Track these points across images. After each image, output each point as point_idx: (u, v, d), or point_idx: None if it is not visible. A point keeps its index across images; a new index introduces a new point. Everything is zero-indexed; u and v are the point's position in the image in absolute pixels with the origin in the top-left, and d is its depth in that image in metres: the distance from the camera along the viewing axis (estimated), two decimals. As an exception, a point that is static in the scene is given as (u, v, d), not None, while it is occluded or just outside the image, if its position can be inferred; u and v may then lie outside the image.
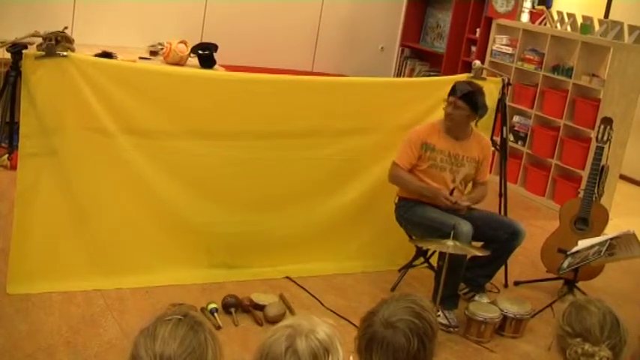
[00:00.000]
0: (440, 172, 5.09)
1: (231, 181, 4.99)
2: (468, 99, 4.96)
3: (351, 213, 5.37)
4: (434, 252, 5.26)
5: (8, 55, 4.47)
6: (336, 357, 2.14)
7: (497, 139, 5.72)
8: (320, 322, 2.19)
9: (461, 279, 4.92)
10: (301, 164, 5.12)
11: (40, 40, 4.53)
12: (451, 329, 4.76)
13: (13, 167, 5.89)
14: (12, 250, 4.48)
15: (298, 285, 5.12)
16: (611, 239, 4.88)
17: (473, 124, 5.16)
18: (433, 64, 9.76)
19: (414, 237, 5.10)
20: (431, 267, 5.28)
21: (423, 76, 9.57)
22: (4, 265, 4.56)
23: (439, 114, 5.13)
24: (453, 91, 5.02)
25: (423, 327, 2.39)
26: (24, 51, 4.36)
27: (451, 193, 5.08)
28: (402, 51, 10.01)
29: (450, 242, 4.40)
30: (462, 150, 5.13)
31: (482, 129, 5.28)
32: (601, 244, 4.91)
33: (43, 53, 4.31)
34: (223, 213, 5.00)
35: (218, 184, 4.97)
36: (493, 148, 5.48)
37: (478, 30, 8.94)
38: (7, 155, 6.04)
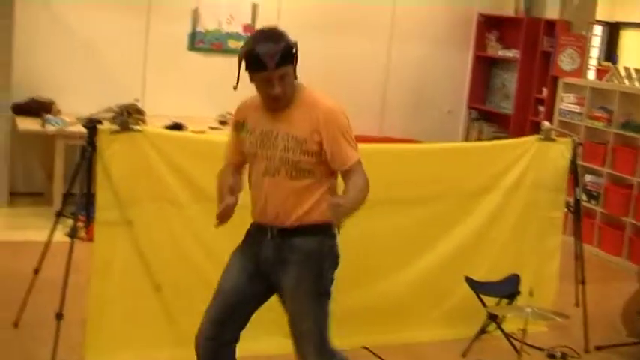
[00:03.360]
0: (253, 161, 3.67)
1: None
2: (284, 58, 3.41)
3: (429, 281, 5.32)
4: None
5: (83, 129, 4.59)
6: None
7: (571, 200, 5.65)
8: None
9: None
10: (377, 233, 5.09)
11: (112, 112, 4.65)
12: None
13: (89, 239, 5.99)
14: (89, 320, 4.54)
15: (375, 355, 5.08)
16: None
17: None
18: (501, 125, 9.72)
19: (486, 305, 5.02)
20: (503, 333, 5.20)
21: (492, 137, 9.53)
22: (82, 335, 4.62)
23: (511, 178, 5.08)
24: (256, 63, 3.39)
25: None
26: (99, 126, 4.47)
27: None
28: (470, 113, 10.00)
29: (528, 308, 4.28)
30: (278, 124, 3.57)
31: (555, 191, 5.20)
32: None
33: (118, 128, 4.42)
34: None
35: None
36: (566, 210, 5.37)
37: (544, 89, 8.91)
38: (84, 227, 6.17)
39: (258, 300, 3.76)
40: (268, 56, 3.37)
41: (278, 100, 3.49)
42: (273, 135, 3.55)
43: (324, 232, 3.64)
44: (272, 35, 3.45)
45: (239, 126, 3.70)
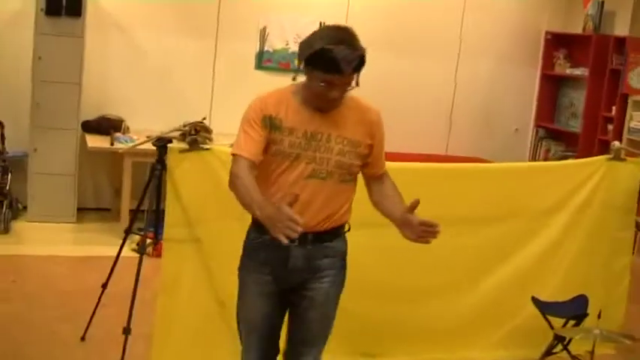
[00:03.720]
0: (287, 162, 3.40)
1: (375, 268, 4.95)
2: (357, 66, 3.27)
3: (493, 301, 5.26)
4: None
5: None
6: None
7: (641, 221, 5.56)
8: None
9: None
10: (445, 253, 5.03)
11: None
12: None
13: (157, 255, 6.05)
14: (155, 336, 4.57)
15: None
16: None
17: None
18: (569, 144, 9.60)
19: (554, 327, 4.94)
20: (570, 355, 5.11)
21: (559, 156, 9.42)
22: (147, 351, 4.65)
23: (580, 198, 5.01)
24: (330, 65, 3.19)
25: None
26: (169, 145, 4.52)
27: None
28: (537, 132, 9.90)
29: (596, 330, 4.20)
30: (329, 125, 3.41)
31: (624, 211, 5.11)
32: None
33: (187, 147, 4.46)
34: (367, 300, 4.96)
35: (362, 272, 4.94)
36: (636, 230, 5.27)
37: (614, 107, 8.78)
38: (152, 243, 6.24)
39: (283, 316, 3.63)
40: (346, 62, 3.21)
41: (334, 103, 3.37)
42: (324, 137, 3.38)
43: (344, 232, 3.60)
44: (350, 39, 3.26)
45: (269, 122, 3.36)
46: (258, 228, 3.43)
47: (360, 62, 3.25)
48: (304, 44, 3.33)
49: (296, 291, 3.52)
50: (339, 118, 3.41)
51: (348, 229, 3.61)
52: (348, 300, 4.87)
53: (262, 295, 3.52)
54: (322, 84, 3.26)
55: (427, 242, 3.36)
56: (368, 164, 3.55)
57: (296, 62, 3.46)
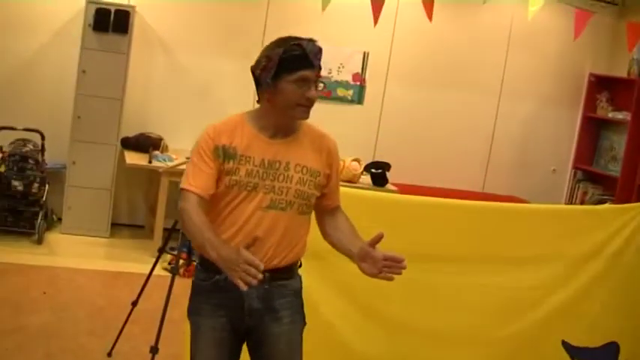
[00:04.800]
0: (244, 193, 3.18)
1: (395, 304, 4.90)
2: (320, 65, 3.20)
3: (523, 344, 5.18)
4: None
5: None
6: None
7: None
8: None
9: None
10: (472, 292, 5.00)
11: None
12: None
13: (189, 276, 6.07)
14: (184, 357, 4.56)
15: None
16: None
17: None
18: (607, 187, 9.52)
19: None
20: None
21: (596, 200, 9.34)
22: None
23: (616, 245, 4.96)
24: (303, 60, 3.12)
25: None
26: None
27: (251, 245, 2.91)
28: (575, 173, 9.84)
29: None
30: (287, 153, 3.25)
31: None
32: None
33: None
34: (383, 336, 4.91)
35: (382, 307, 4.90)
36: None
37: (655, 154, 8.71)
38: (184, 264, 6.25)
39: None
40: (314, 54, 3.10)
41: (311, 105, 3.18)
42: (282, 165, 3.19)
43: (297, 269, 3.40)
44: (298, 37, 3.15)
45: (222, 152, 3.15)
46: (207, 268, 3.21)
47: (321, 54, 3.15)
48: (262, 61, 3.20)
49: (253, 333, 3.29)
50: (296, 145, 3.25)
51: (300, 265, 3.41)
52: (371, 338, 4.86)
53: (216, 342, 3.25)
54: (298, 85, 3.11)
55: (390, 279, 3.15)
56: (324, 195, 3.36)
57: (256, 89, 3.29)
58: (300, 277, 3.43)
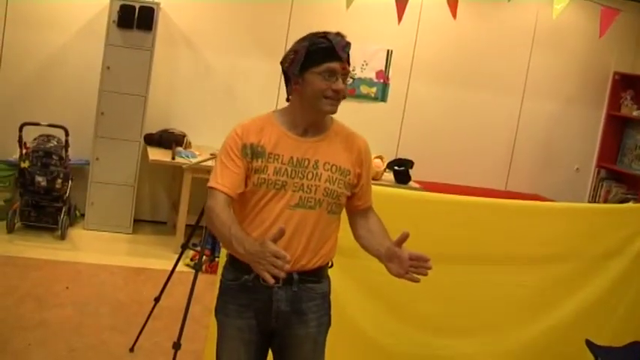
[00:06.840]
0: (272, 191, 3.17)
1: (420, 302, 4.90)
2: (349, 59, 3.20)
3: (546, 343, 5.16)
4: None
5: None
6: None
7: None
8: None
9: None
10: (495, 290, 4.98)
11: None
12: None
13: (212, 272, 6.09)
14: (206, 353, 4.57)
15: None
16: None
17: None
18: (630, 186, 9.47)
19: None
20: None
21: (620, 198, 9.29)
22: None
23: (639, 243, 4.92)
24: (329, 52, 3.11)
25: None
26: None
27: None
28: (598, 172, 9.79)
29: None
30: (316, 151, 3.23)
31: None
32: None
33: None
34: (409, 334, 4.91)
35: (406, 305, 4.90)
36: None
37: (680, 153, 8.65)
38: (208, 260, 6.26)
39: None
40: (340, 47, 3.08)
41: (339, 98, 3.14)
42: (311, 163, 3.16)
43: (327, 271, 3.37)
44: (325, 32, 3.13)
45: (251, 151, 3.14)
46: (236, 268, 3.21)
47: (349, 56, 3.14)
48: (290, 54, 3.18)
49: (279, 335, 3.28)
50: (326, 143, 3.23)
51: (331, 265, 3.39)
52: (394, 333, 4.86)
53: (243, 342, 3.24)
54: (324, 77, 3.09)
55: (416, 280, 3.11)
56: (355, 195, 3.32)
57: (285, 85, 3.26)
58: (329, 280, 3.40)
